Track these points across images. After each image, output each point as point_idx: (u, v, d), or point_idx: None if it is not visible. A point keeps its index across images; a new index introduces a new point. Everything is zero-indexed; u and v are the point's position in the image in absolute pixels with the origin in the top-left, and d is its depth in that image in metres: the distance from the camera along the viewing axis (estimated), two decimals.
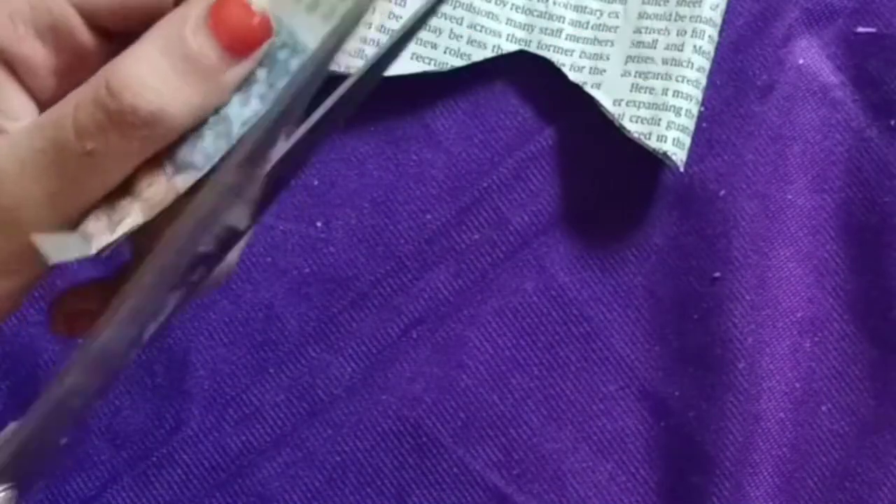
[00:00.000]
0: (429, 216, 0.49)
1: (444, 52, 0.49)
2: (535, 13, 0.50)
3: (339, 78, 0.32)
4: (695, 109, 0.48)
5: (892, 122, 0.50)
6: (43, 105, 0.33)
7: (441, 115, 0.50)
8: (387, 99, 0.50)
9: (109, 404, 0.47)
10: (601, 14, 0.50)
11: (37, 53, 0.33)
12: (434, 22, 0.49)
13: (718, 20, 0.49)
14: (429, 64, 0.49)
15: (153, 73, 0.30)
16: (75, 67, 0.34)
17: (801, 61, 0.51)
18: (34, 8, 0.33)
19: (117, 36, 0.34)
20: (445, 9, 0.49)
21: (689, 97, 0.48)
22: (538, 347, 0.48)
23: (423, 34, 0.49)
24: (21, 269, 0.32)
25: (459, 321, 0.48)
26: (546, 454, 0.47)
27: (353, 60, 0.48)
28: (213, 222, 0.31)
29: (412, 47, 0.49)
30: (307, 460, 0.46)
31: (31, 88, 0.33)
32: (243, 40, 0.31)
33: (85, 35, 0.33)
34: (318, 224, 0.48)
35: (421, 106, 0.50)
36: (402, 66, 0.49)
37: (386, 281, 0.48)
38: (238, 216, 0.33)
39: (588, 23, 0.50)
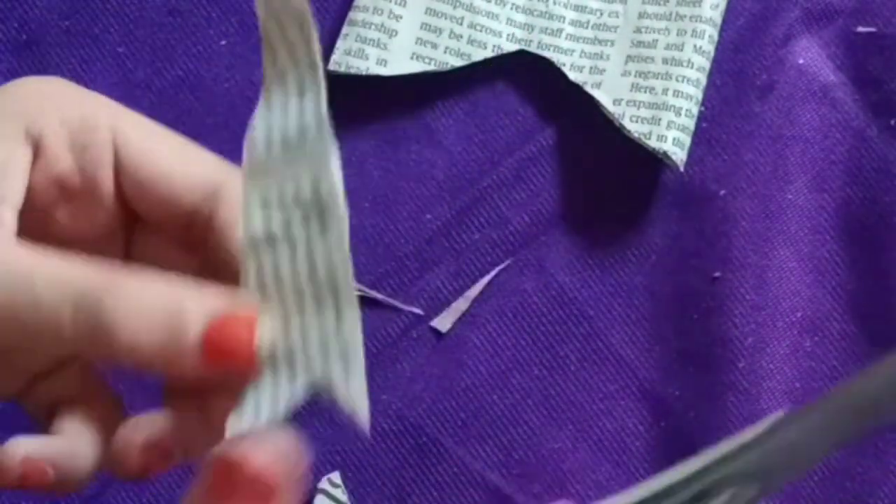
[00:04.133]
0: (429, 216, 0.49)
1: (444, 52, 0.49)
2: (536, 13, 0.50)
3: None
4: (695, 109, 0.48)
5: (892, 122, 0.50)
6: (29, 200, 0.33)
7: (441, 115, 0.50)
8: (387, 99, 0.50)
9: None
10: (601, 14, 0.50)
11: (62, 163, 0.33)
12: (434, 22, 0.49)
13: (718, 20, 0.49)
14: (429, 64, 0.49)
15: (138, 303, 0.30)
16: (86, 201, 0.34)
17: (801, 61, 0.51)
18: (82, 127, 0.33)
19: (136, 219, 0.34)
20: (445, 9, 0.49)
21: (689, 97, 0.48)
22: (538, 347, 0.48)
23: (424, 34, 0.49)
24: None
25: (460, 321, 0.48)
26: (546, 454, 0.47)
27: (353, 61, 0.48)
28: None
29: (412, 47, 0.49)
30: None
31: (35, 184, 0.33)
32: (224, 360, 0.30)
33: (108, 181, 0.34)
34: None
35: (421, 106, 0.50)
36: (402, 65, 0.49)
37: (386, 281, 0.48)
38: None
39: (588, 22, 0.50)
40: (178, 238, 0.35)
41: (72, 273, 0.30)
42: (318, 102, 0.31)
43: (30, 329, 0.31)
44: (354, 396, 0.29)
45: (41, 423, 0.34)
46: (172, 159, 0.34)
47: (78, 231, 0.35)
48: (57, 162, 0.33)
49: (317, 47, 0.31)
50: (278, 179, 0.31)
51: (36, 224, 0.33)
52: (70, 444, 0.33)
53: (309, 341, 0.30)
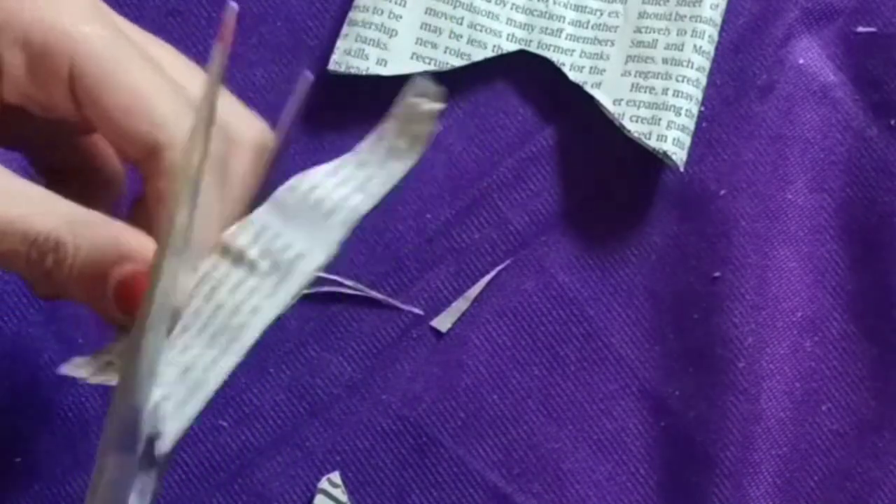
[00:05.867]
0: (429, 216, 0.49)
1: (444, 52, 0.49)
2: (536, 13, 0.50)
3: None
4: (695, 109, 0.48)
5: (893, 122, 0.50)
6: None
7: (441, 115, 0.50)
8: (387, 99, 0.50)
9: (109, 405, 0.47)
10: (601, 14, 0.50)
11: (21, 87, 0.34)
12: (434, 22, 0.49)
13: (719, 20, 0.49)
14: (429, 64, 0.49)
15: (74, 256, 0.33)
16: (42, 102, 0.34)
17: (801, 61, 0.51)
18: (43, 52, 0.33)
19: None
20: (445, 8, 0.49)
21: (689, 97, 0.48)
22: (538, 347, 0.48)
23: (424, 34, 0.49)
24: None
25: (460, 321, 0.48)
26: (546, 454, 0.47)
27: (353, 61, 0.48)
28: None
29: (412, 47, 0.49)
30: (307, 460, 0.46)
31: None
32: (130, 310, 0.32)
33: (62, 97, 0.34)
34: None
35: None
36: (403, 65, 0.49)
37: (386, 281, 0.48)
38: None
39: (588, 22, 0.50)
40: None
41: (21, 231, 0.32)
42: (366, 202, 0.34)
43: None
44: (176, 423, 0.31)
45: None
46: (124, 109, 0.34)
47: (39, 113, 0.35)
48: (16, 85, 0.34)
49: (409, 166, 0.34)
50: (283, 224, 0.33)
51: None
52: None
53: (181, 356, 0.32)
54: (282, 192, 0.34)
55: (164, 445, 0.31)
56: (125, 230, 0.33)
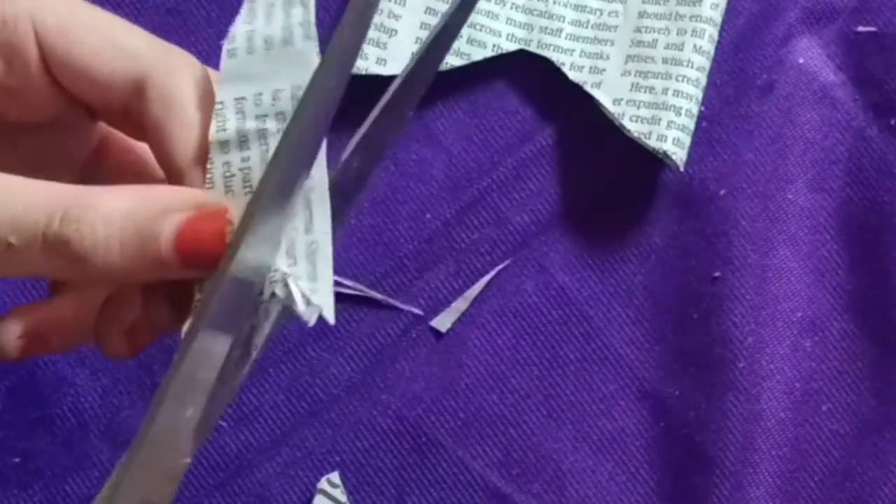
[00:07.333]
0: (429, 216, 0.49)
1: None
2: (535, 12, 0.50)
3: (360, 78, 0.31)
4: (695, 109, 0.48)
5: (892, 122, 0.50)
6: None
7: (441, 115, 0.50)
8: None
9: (109, 404, 0.47)
10: (601, 13, 0.50)
11: None
12: (434, 21, 0.49)
13: (719, 19, 0.49)
14: None
15: (107, 225, 0.29)
16: (20, 91, 0.33)
17: (801, 61, 0.51)
18: (2, 27, 0.32)
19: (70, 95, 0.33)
20: (445, 8, 0.49)
21: (689, 96, 0.48)
22: (538, 347, 0.48)
23: (423, 33, 0.49)
24: None
25: (459, 321, 0.48)
26: (546, 454, 0.47)
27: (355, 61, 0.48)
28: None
29: (412, 47, 0.49)
30: (306, 460, 0.46)
31: None
32: (199, 259, 0.30)
33: (37, 70, 0.32)
34: None
35: (421, 106, 0.50)
36: (402, 65, 0.49)
37: (386, 281, 0.48)
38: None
39: (588, 22, 0.50)
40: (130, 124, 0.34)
41: (34, 212, 0.30)
42: (306, 11, 0.31)
43: (6, 269, 0.30)
44: (321, 293, 0.31)
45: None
46: (94, 52, 0.32)
47: (26, 118, 0.34)
48: None
49: None
50: (256, 82, 0.31)
51: None
52: (65, 303, 0.34)
53: (275, 243, 0.30)
54: (226, 64, 0.31)
55: (330, 315, 0.31)
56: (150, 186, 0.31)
